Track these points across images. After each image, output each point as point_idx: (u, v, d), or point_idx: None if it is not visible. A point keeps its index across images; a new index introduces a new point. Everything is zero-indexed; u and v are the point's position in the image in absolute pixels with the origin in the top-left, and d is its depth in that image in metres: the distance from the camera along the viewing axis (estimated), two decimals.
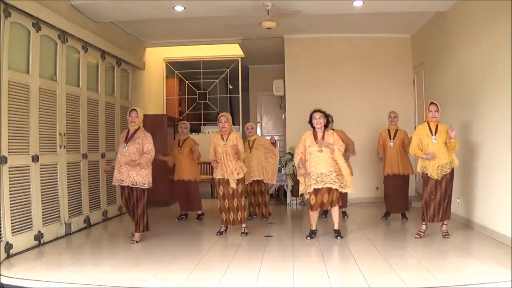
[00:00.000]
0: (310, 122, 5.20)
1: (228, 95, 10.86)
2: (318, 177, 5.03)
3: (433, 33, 7.04)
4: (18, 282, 3.75)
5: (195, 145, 6.70)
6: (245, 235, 5.50)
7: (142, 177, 5.16)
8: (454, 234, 5.28)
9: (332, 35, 8.31)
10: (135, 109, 5.36)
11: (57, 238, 5.38)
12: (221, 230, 5.60)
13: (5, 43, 4.54)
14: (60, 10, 5.51)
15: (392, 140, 6.27)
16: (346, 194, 6.29)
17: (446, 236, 5.03)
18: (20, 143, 4.82)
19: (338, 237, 5.17)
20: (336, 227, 5.24)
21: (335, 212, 5.20)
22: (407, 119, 7.82)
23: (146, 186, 5.20)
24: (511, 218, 4.50)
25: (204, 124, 10.54)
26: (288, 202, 8.22)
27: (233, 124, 10.67)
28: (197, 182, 6.81)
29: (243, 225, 5.57)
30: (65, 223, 5.59)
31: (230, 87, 10.94)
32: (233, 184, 5.39)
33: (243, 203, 5.53)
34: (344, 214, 6.63)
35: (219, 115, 5.64)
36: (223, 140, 5.47)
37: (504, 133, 4.70)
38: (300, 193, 5.37)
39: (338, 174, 5.07)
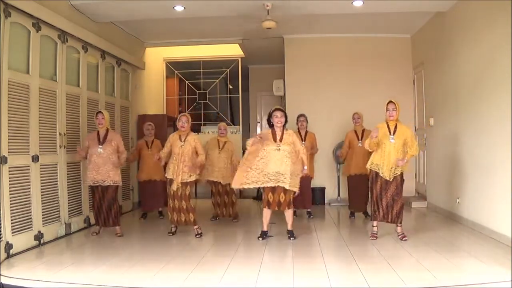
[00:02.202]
0: (269, 120, 5.15)
1: (228, 95, 10.86)
2: (273, 176, 4.98)
3: (433, 33, 7.04)
4: (18, 282, 3.75)
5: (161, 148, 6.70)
6: (199, 236, 5.43)
7: (119, 176, 5.58)
8: (454, 234, 5.29)
9: (332, 35, 8.30)
10: (101, 112, 5.60)
11: (57, 238, 5.39)
12: (172, 231, 5.56)
13: (5, 43, 4.55)
14: (60, 10, 5.51)
15: (360, 141, 6.33)
16: (310, 194, 6.53)
17: (403, 239, 4.94)
18: (20, 143, 4.82)
19: (291, 238, 5.16)
20: (289, 227, 5.22)
21: (289, 213, 5.17)
22: (407, 119, 7.77)
23: (121, 184, 5.68)
24: (511, 218, 4.50)
25: (204, 124, 10.53)
26: None
27: (233, 124, 10.78)
28: (162, 182, 6.78)
29: (195, 227, 5.49)
30: (65, 223, 5.60)
31: (230, 87, 10.93)
32: (174, 186, 5.32)
33: (192, 205, 5.45)
34: (310, 214, 6.67)
35: (180, 114, 5.58)
36: (181, 140, 5.41)
37: (504, 133, 4.69)
38: (235, 186, 5.24)
39: (292, 174, 5.04)
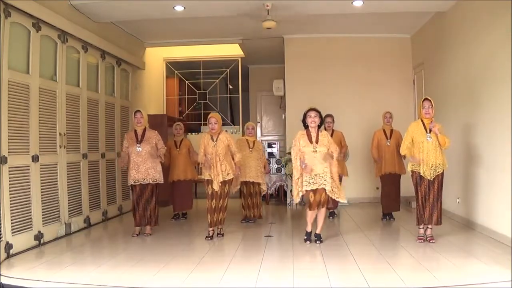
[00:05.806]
0: (304, 121, 5.02)
1: (228, 95, 10.86)
2: (312, 178, 4.85)
3: (433, 33, 7.04)
4: (18, 282, 3.76)
5: (191, 146, 6.80)
6: (221, 236, 5.41)
7: (159, 173, 5.61)
8: (454, 234, 5.29)
9: (332, 35, 8.32)
10: (139, 110, 5.65)
11: (57, 238, 5.38)
12: (210, 235, 5.34)
13: (5, 43, 4.55)
14: (60, 10, 5.51)
15: (389, 140, 6.30)
16: None
17: (431, 241, 4.80)
18: (20, 143, 4.82)
19: (318, 242, 4.96)
20: (318, 230, 5.03)
21: (322, 214, 4.99)
22: (407, 119, 7.76)
23: (162, 181, 5.65)
24: (511, 218, 4.50)
25: (204, 124, 10.53)
26: (288, 202, 8.22)
27: (233, 124, 10.78)
28: (193, 181, 6.91)
29: (219, 226, 5.45)
30: (65, 223, 5.60)
31: (230, 87, 10.94)
32: (215, 186, 5.20)
33: (226, 204, 5.41)
34: (333, 214, 6.65)
35: (208, 116, 5.44)
36: (213, 140, 5.31)
37: (504, 133, 4.70)
38: (297, 199, 4.99)
39: (332, 177, 4.90)
